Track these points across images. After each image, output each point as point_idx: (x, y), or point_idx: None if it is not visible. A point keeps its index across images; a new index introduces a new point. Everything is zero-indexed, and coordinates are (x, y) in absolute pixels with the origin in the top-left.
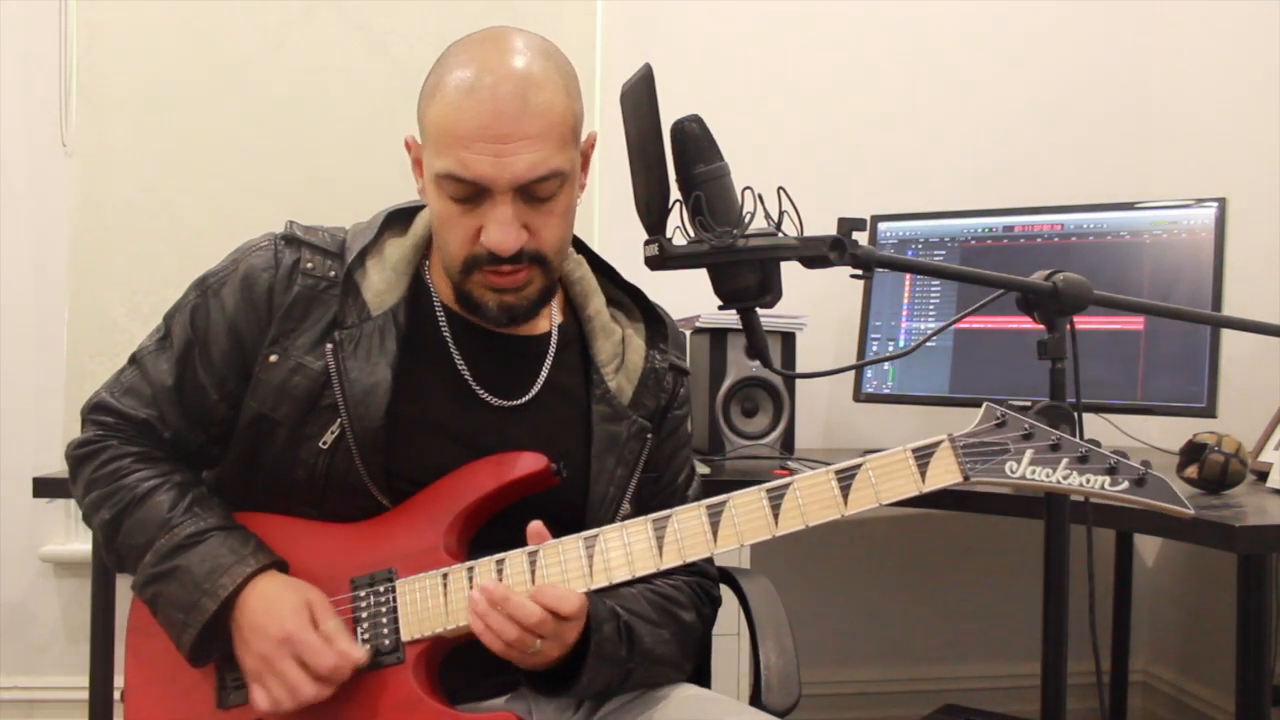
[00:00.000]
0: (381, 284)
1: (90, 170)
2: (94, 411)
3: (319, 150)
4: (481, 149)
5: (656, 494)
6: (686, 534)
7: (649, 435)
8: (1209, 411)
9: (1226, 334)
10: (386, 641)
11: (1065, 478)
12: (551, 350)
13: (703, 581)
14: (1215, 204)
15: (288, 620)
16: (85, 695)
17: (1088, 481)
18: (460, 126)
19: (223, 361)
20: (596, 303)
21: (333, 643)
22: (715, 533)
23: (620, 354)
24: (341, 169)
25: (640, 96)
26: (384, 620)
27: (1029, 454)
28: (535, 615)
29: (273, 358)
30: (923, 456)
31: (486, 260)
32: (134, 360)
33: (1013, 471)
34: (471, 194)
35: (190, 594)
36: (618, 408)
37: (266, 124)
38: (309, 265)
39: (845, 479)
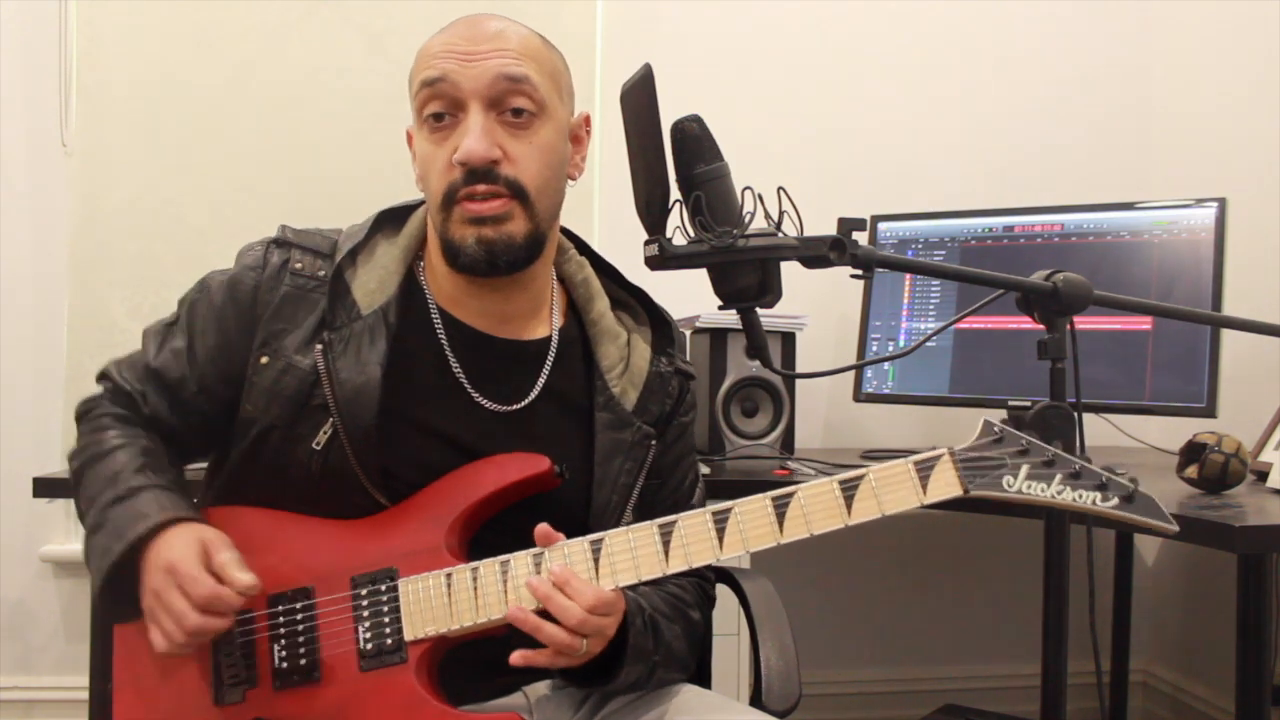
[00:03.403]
0: (372, 283)
1: (90, 170)
2: (101, 378)
3: (319, 150)
4: (450, 55)
5: (660, 501)
6: (692, 540)
7: (653, 442)
8: (1209, 411)
9: (1226, 334)
10: (389, 641)
11: (1059, 493)
12: (551, 355)
13: (701, 583)
14: (1215, 204)
15: (174, 551)
16: (84, 695)
17: (1080, 497)
18: (432, 46)
19: (206, 357)
20: (601, 306)
21: (223, 572)
22: (721, 539)
23: (625, 358)
24: (341, 169)
25: (640, 96)
26: (386, 619)
27: (1025, 469)
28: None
29: (264, 359)
30: (924, 469)
31: (462, 184)
32: (143, 336)
33: (1009, 486)
34: (445, 109)
35: (108, 541)
36: (621, 414)
37: (266, 124)
38: (298, 265)
39: (849, 489)
